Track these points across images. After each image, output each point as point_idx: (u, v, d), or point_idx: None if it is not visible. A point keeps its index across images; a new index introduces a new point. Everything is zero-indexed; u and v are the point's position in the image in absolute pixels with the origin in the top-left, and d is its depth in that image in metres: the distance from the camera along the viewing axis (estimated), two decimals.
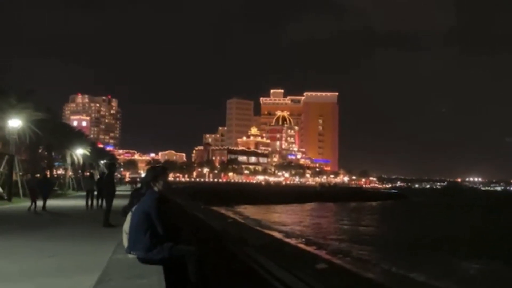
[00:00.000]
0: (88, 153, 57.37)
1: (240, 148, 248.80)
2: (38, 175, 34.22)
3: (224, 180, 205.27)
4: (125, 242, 6.52)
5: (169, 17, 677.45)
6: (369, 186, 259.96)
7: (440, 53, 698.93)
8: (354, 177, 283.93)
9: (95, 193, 22.81)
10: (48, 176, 36.45)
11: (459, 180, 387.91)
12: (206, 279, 6.39)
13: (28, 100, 31.64)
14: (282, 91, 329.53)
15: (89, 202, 23.10)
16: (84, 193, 25.84)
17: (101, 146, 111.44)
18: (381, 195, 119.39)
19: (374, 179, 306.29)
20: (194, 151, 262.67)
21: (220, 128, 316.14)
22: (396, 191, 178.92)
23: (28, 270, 7.34)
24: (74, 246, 10.20)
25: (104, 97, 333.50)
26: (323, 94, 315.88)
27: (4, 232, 11.86)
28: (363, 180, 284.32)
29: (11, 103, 28.59)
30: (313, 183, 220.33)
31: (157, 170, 6.76)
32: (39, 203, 20.01)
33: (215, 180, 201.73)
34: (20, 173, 33.61)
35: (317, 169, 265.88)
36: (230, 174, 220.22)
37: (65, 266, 7.77)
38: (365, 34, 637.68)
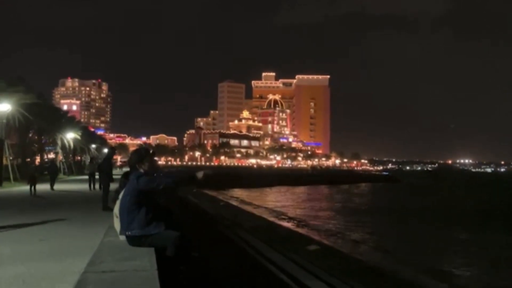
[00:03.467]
0: (79, 137, 57.06)
1: (232, 131, 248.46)
2: (29, 159, 34.03)
3: (216, 163, 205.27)
4: (117, 226, 6.52)
5: (160, 0, 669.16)
6: (360, 168, 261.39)
7: (434, 36, 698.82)
8: (345, 160, 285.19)
9: (97, 176, 23.29)
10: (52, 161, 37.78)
11: (450, 162, 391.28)
12: (195, 261, 6.43)
13: (18, 84, 31.33)
14: (274, 74, 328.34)
15: (92, 185, 24.99)
16: (76, 177, 26.13)
17: (92, 130, 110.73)
18: (372, 177, 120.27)
19: (366, 161, 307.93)
20: (186, 135, 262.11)
21: (212, 111, 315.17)
22: (387, 173, 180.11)
23: (20, 254, 7.34)
24: (67, 230, 10.20)
25: (94, 81, 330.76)
26: (315, 77, 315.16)
27: (4, 217, 11.84)
28: (355, 162, 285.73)
29: (0, 87, 28.28)
30: (305, 166, 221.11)
31: (142, 152, 6.74)
32: (40, 186, 20.77)
33: (207, 163, 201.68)
34: (11, 158, 33.42)
35: (309, 152, 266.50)
36: (222, 157, 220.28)
37: (56, 249, 7.78)
38: (357, 17, 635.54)
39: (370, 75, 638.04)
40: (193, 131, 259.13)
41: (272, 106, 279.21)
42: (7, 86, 29.43)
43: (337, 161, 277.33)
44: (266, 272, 9.43)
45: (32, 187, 20.07)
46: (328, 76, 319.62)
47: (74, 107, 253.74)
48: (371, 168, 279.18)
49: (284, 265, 9.83)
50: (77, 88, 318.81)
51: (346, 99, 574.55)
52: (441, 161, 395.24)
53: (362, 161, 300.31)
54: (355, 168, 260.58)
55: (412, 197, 58.35)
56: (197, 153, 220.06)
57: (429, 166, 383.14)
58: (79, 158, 70.59)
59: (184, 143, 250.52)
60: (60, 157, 53.65)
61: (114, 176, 14.98)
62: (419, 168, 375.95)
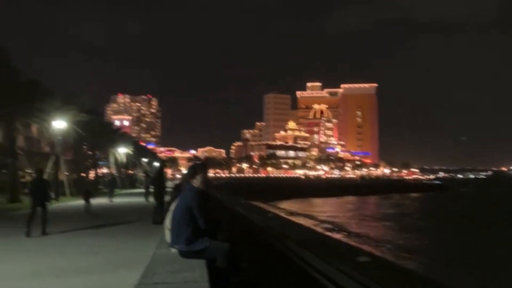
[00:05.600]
0: (130, 152, 58.65)
1: (278, 142, 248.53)
2: (84, 174, 35.25)
3: (263, 175, 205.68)
4: (167, 237, 6.69)
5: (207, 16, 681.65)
6: (411, 177, 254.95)
7: (483, 40, 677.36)
8: (395, 169, 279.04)
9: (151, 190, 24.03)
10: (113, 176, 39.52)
11: (504, 169, 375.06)
12: (245, 273, 6.49)
13: (72, 102, 32.60)
14: (320, 84, 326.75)
15: (147, 198, 25.77)
16: (129, 191, 26.77)
17: (143, 144, 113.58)
18: (423, 187, 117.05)
19: (416, 170, 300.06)
20: (233, 147, 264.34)
21: (258, 123, 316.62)
22: (439, 182, 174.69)
23: (76, 266, 7.65)
24: (121, 242, 10.52)
25: (144, 97, 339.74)
26: (361, 85, 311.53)
27: (55, 231, 12.34)
28: (405, 171, 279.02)
29: (55, 105, 29.51)
30: (353, 176, 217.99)
31: (196, 166, 6.89)
32: (96, 200, 21.27)
33: (254, 175, 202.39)
34: (67, 173, 34.71)
35: (357, 162, 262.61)
36: (269, 169, 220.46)
37: (111, 262, 8.03)
38: (406, 23, 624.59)
39: (418, 81, 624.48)
40: (240, 143, 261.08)
41: (318, 116, 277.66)
42: (62, 104, 30.66)
43: (387, 171, 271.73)
44: (315, 284, 9.36)
45: (87, 201, 20.61)
46: (375, 85, 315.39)
47: (126, 123, 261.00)
48: (422, 177, 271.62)
49: (333, 276, 9.73)
50: (128, 104, 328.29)
51: (394, 106, 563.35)
52: (495, 168, 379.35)
53: (412, 170, 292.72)
54: (405, 177, 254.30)
55: (469, 206, 56.34)
56: (245, 165, 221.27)
57: (482, 173, 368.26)
58: (131, 172, 72.42)
59: (232, 155, 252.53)
60: (113, 171, 55.27)
61: (167, 189, 15.29)
62: (472, 176, 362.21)
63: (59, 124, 29.25)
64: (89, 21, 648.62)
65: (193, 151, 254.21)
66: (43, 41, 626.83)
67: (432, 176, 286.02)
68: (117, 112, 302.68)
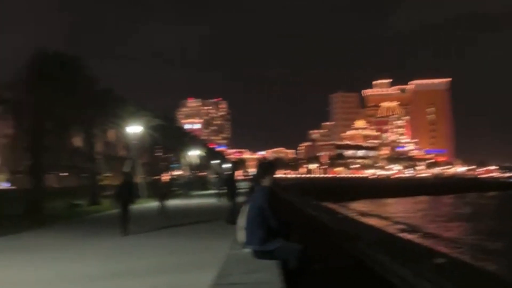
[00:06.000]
0: (201, 154, 60.15)
1: (347, 142, 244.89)
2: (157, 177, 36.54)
3: (332, 175, 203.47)
4: (241, 237, 6.81)
5: (272, 13, 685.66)
6: (488, 176, 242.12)
7: None
8: (471, 167, 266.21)
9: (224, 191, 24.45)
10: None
11: None
12: (317, 274, 6.50)
13: (145, 108, 34.01)
14: (389, 80, 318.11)
15: (220, 200, 25.77)
16: (201, 193, 27.40)
17: (213, 146, 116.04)
18: (502, 185, 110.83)
19: (495, 168, 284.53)
20: (301, 147, 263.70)
21: (324, 123, 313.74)
22: None
23: (153, 266, 7.97)
24: (195, 243, 10.83)
25: (214, 100, 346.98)
26: (433, 81, 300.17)
27: (132, 232, 12.95)
28: (482, 169, 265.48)
29: (130, 111, 30.91)
30: (427, 175, 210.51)
31: (265, 166, 6.98)
32: (170, 202, 21.80)
33: (323, 175, 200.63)
34: (142, 176, 36.13)
35: (430, 160, 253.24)
36: (338, 169, 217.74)
37: (184, 262, 8.28)
38: (477, 17, 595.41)
39: (490, 76, 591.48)
40: (307, 143, 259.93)
41: (387, 114, 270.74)
42: (136, 110, 32.09)
43: (462, 169, 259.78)
44: (388, 285, 9.19)
45: (163, 203, 21.16)
46: (449, 79, 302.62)
47: (196, 126, 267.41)
48: (500, 175, 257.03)
49: (407, 278, 9.52)
50: (198, 108, 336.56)
51: (468, 102, 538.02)
52: None
53: (490, 168, 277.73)
54: (482, 175, 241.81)
55: None
56: (313, 165, 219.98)
57: None
58: (202, 174, 74.14)
59: (299, 155, 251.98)
60: (186, 173, 56.89)
61: (239, 190, 15.47)
62: None
63: (135, 129, 30.57)
64: (160, 27, 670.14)
65: (262, 152, 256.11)
66: (115, 46, 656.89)
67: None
68: (188, 116, 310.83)
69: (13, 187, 41.34)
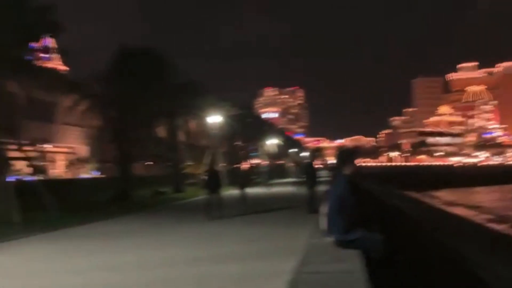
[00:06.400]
0: (279, 143, 60.47)
1: (429, 128, 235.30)
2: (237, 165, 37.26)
3: (414, 163, 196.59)
4: (323, 225, 6.77)
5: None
6: None
7: None
8: None
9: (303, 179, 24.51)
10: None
11: None
12: (399, 266, 6.37)
13: (225, 98, 34.74)
14: (475, 64, 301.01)
15: (299, 188, 25.88)
16: (279, 181, 27.53)
17: (290, 135, 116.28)
18: None
19: None
20: (381, 135, 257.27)
21: (405, 109, 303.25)
22: None
23: (235, 253, 8.16)
24: (274, 231, 10.93)
25: (291, 89, 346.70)
26: None
27: (216, 220, 13.33)
28: None
29: (211, 102, 31.68)
30: None
31: (345, 154, 6.89)
32: (250, 190, 22.07)
33: (405, 163, 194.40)
34: (223, 164, 36.95)
35: None
36: (421, 156, 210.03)
37: (264, 250, 8.38)
38: None
39: None
40: (387, 131, 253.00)
41: (473, 98, 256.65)
42: (216, 101, 32.87)
43: None
44: (476, 278, 8.81)
45: (243, 191, 21.41)
46: None
47: (274, 115, 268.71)
48: None
49: (497, 271, 9.07)
50: (276, 97, 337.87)
51: None
52: None
53: None
54: None
55: None
56: (394, 153, 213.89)
57: None
58: (280, 162, 74.56)
59: (379, 143, 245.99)
60: (266, 162, 57.44)
61: (319, 179, 15.38)
62: None
63: (215, 118, 31.33)
64: (242, 16, 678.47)
65: (340, 140, 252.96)
66: (196, 40, 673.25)
67: None
68: (266, 105, 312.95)
69: (102, 176, 43.86)
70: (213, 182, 14.46)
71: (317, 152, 21.37)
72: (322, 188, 13.71)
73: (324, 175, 20.64)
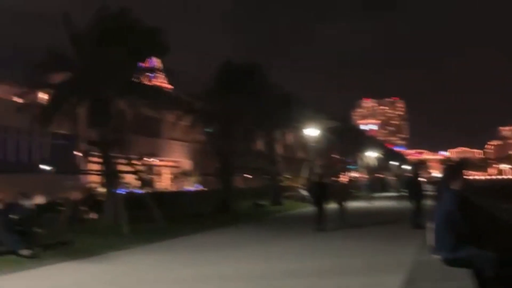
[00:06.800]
0: (379, 156, 58.89)
1: None
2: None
3: None
4: (431, 240, 6.46)
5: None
6: None
7: None
8: None
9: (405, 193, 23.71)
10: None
11: None
12: None
13: (321, 111, 34.57)
14: None
15: (401, 202, 25.15)
16: (380, 194, 26.79)
17: (390, 147, 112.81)
18: None
19: None
20: (489, 146, 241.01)
21: None
22: None
23: (339, 267, 8.04)
24: (377, 246, 10.63)
25: (390, 99, 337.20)
26: None
27: (321, 233, 13.31)
28: None
29: (307, 114, 31.69)
30: None
31: (453, 168, 6.55)
32: (349, 204, 21.64)
33: None
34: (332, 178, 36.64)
35: None
36: None
37: (368, 264, 8.18)
38: None
39: None
40: (495, 141, 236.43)
41: None
42: (313, 113, 32.79)
43: None
44: None
45: (342, 205, 20.94)
46: None
47: (373, 127, 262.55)
48: None
49: None
50: (374, 108, 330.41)
51: None
52: None
53: None
54: None
55: None
56: (505, 165, 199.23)
57: None
58: (381, 175, 72.54)
59: (487, 155, 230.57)
60: (363, 175, 56.22)
61: (424, 193, 14.78)
62: None
63: (312, 131, 31.26)
64: (335, 27, 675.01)
65: (444, 152, 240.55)
66: (289, 48, 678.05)
67: None
68: (364, 117, 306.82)
69: (204, 189, 45.31)
70: (321, 194, 14.78)
71: (419, 165, 20.39)
72: (427, 202, 13.13)
73: (429, 189, 19.67)
